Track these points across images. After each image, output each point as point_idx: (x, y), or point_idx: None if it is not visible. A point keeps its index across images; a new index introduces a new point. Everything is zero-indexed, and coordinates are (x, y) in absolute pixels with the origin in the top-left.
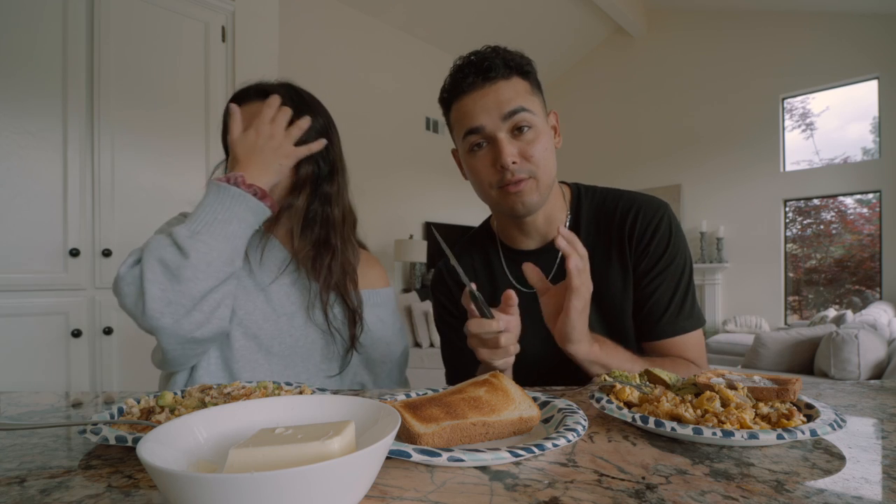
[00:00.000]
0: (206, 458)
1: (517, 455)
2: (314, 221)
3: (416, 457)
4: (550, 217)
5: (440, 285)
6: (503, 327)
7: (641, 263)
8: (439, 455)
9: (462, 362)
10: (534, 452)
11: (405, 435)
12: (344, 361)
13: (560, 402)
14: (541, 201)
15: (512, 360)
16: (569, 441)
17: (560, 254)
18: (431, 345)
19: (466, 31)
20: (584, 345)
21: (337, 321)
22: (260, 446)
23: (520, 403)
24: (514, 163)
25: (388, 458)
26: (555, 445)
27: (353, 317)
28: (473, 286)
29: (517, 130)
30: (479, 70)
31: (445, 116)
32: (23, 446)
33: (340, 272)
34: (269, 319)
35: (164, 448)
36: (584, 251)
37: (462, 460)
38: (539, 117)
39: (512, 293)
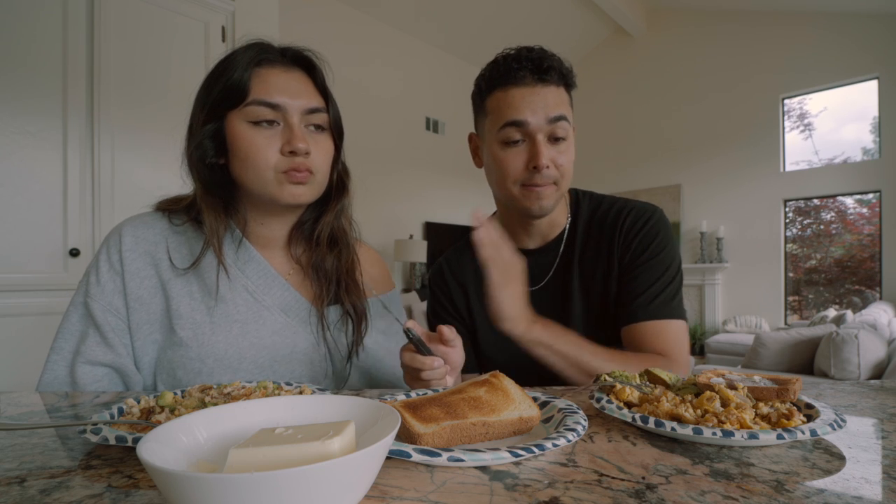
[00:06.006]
0: (206, 458)
1: (517, 455)
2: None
3: (416, 457)
4: (553, 220)
5: (438, 280)
6: (434, 366)
7: (626, 257)
8: (439, 455)
9: None
10: (534, 452)
11: (405, 435)
12: (341, 378)
13: (560, 402)
14: (555, 206)
15: (446, 382)
16: (569, 441)
17: (560, 253)
18: None
19: (467, 31)
20: (521, 323)
21: (333, 337)
22: (260, 446)
23: (520, 403)
24: (547, 167)
25: (388, 458)
26: (555, 445)
27: (359, 320)
28: (409, 324)
29: (554, 138)
30: (536, 68)
31: (477, 97)
32: (23, 446)
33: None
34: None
35: (164, 448)
36: (495, 232)
37: (462, 460)
38: (570, 130)
39: (445, 328)
